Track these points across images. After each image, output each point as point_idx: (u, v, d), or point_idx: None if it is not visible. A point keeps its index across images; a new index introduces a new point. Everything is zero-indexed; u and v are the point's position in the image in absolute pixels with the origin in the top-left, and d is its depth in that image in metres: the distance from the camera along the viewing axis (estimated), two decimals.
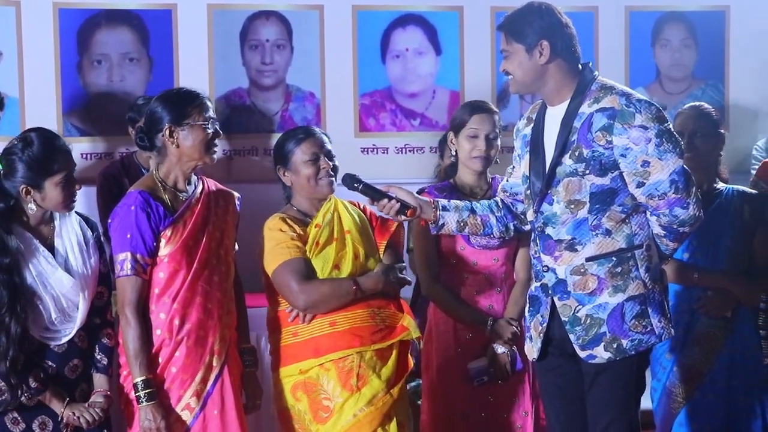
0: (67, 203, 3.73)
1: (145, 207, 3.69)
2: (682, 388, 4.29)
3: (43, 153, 3.68)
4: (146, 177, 3.91)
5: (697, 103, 4.52)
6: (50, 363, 3.70)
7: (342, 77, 5.83)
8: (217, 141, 3.81)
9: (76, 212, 3.85)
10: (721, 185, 4.38)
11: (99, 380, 3.80)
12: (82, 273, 3.75)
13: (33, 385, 3.63)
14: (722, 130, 4.39)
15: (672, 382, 4.32)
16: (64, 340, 3.71)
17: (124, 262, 3.68)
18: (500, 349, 4.12)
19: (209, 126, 3.78)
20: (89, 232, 3.84)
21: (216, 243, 3.81)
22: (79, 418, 3.69)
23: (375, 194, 3.66)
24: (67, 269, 3.72)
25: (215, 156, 3.82)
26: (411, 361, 3.98)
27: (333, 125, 5.73)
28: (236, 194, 3.99)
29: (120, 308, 3.71)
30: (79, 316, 3.73)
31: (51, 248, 3.73)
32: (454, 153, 4.28)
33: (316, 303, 3.79)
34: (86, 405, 3.72)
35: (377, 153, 5.91)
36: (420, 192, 4.11)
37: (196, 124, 3.75)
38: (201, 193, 3.84)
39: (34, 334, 3.66)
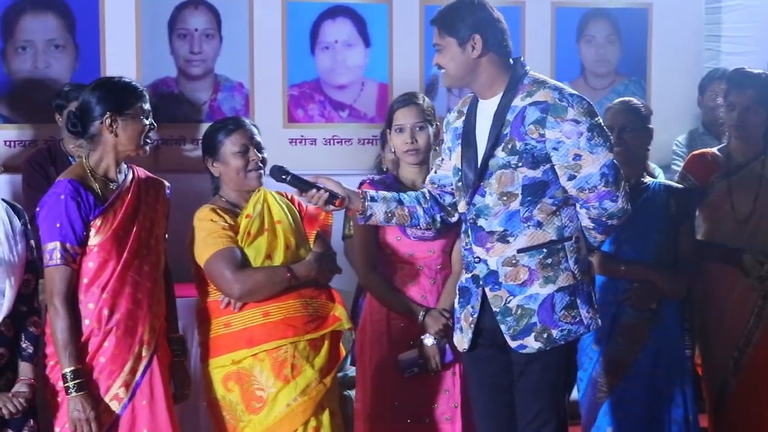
0: None
1: (75, 196, 3.65)
2: (607, 378, 4.36)
3: None
4: (76, 165, 3.87)
5: (626, 99, 4.58)
6: None
7: (271, 68, 5.81)
8: (151, 134, 3.81)
9: (2, 199, 3.80)
10: (648, 179, 4.46)
11: (24, 369, 3.75)
12: (9, 261, 3.70)
13: None
14: (650, 126, 4.46)
15: (598, 372, 4.38)
16: None
17: (53, 251, 3.63)
18: (429, 340, 4.13)
19: (147, 118, 3.76)
20: (16, 220, 3.79)
21: (146, 232, 3.79)
22: (1, 408, 3.64)
23: (303, 185, 3.66)
24: None
25: (148, 149, 3.80)
26: (342, 351, 4.00)
27: (261, 116, 5.70)
28: (166, 183, 3.97)
29: (48, 298, 3.66)
30: (6, 304, 3.68)
31: None
32: (392, 149, 4.29)
33: (252, 291, 3.79)
34: (9, 395, 3.68)
35: (305, 144, 5.91)
36: (361, 184, 4.12)
37: (137, 116, 3.73)
38: (131, 182, 3.81)
39: None
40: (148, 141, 3.79)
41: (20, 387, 3.72)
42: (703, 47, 6.40)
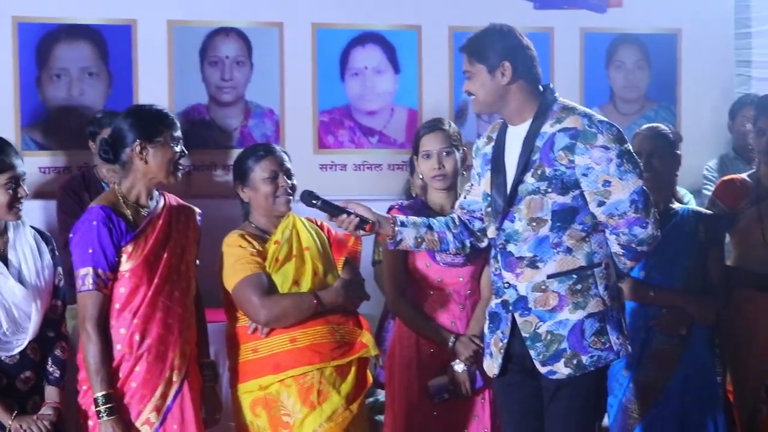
0: (11, 207, 3.72)
1: (107, 222, 3.69)
2: (638, 404, 4.35)
3: None
4: (108, 192, 3.91)
5: (654, 124, 4.58)
6: (1, 374, 3.70)
7: (301, 94, 5.85)
8: (182, 161, 3.84)
9: (31, 226, 3.86)
10: (676, 205, 4.46)
11: (50, 392, 3.80)
12: (36, 284, 3.76)
13: None
14: (678, 152, 4.46)
15: (628, 399, 4.37)
16: (16, 351, 3.72)
17: (85, 277, 3.67)
18: (460, 366, 4.14)
19: (178, 146, 3.80)
20: (44, 245, 3.85)
21: (177, 258, 3.82)
22: (26, 431, 3.68)
23: (333, 210, 3.68)
24: (20, 280, 3.73)
25: (180, 175, 3.84)
26: (369, 377, 4.00)
27: (292, 142, 5.75)
28: (197, 210, 4.00)
29: (81, 323, 3.70)
30: (32, 327, 3.73)
31: (5, 260, 3.74)
32: (420, 175, 4.31)
33: (278, 317, 3.81)
34: (34, 417, 3.72)
35: (336, 170, 5.94)
36: (389, 210, 4.14)
37: (167, 143, 3.77)
38: (162, 208, 3.84)
39: None
40: (179, 168, 3.83)
41: (45, 410, 3.76)
42: (733, 72, 6.38)
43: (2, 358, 3.70)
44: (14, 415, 3.69)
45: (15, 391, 3.72)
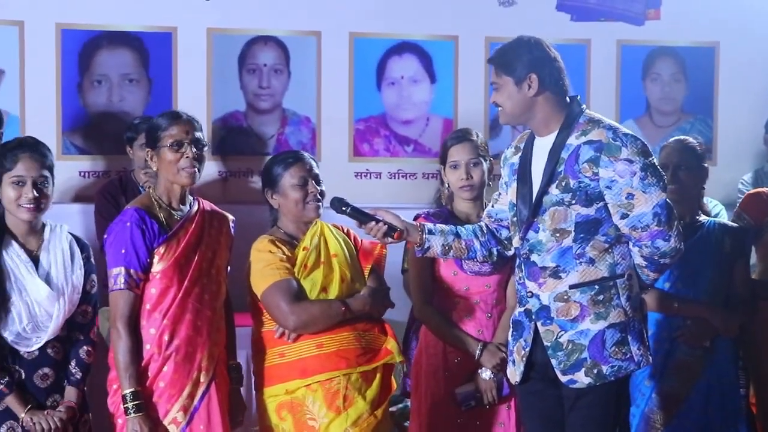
0: (20, 204, 3.81)
1: (141, 224, 3.78)
2: (661, 414, 4.35)
3: (2, 151, 3.85)
4: (143, 195, 4.00)
5: (681, 137, 4.59)
6: (18, 368, 3.80)
7: (337, 102, 5.90)
8: (191, 162, 3.83)
9: (70, 233, 3.96)
10: (703, 218, 4.46)
11: (69, 392, 3.88)
12: (61, 287, 3.85)
13: None
14: (705, 164, 4.47)
15: (650, 409, 4.36)
16: (34, 347, 3.82)
17: (117, 276, 3.76)
18: (487, 374, 4.17)
19: (176, 147, 3.82)
20: (78, 251, 3.94)
21: (207, 262, 3.89)
22: (35, 424, 3.77)
23: (362, 217, 3.72)
24: (47, 281, 3.83)
25: (186, 177, 3.84)
26: (394, 384, 4.04)
27: (328, 150, 5.82)
28: (231, 217, 4.07)
29: (112, 322, 3.79)
30: (51, 327, 3.82)
31: (36, 259, 3.85)
32: (447, 185, 4.35)
33: (306, 323, 3.85)
34: (45, 412, 3.80)
35: (371, 178, 5.99)
36: (416, 218, 4.17)
37: (164, 147, 3.83)
38: (196, 212, 3.92)
39: (6, 337, 3.78)
40: (187, 170, 3.83)
41: (59, 408, 3.84)
42: None
43: (21, 353, 3.81)
44: (28, 408, 3.78)
45: (32, 387, 3.82)
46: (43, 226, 3.91)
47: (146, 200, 3.89)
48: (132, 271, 3.76)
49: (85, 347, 3.91)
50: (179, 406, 3.79)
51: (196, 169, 3.85)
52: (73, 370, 3.89)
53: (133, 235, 3.77)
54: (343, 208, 3.73)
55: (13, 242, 3.84)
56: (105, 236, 3.86)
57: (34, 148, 3.85)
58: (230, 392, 3.98)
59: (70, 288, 3.86)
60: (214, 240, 3.94)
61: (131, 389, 3.72)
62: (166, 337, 3.78)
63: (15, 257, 3.82)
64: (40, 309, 3.81)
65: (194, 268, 3.84)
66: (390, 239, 3.73)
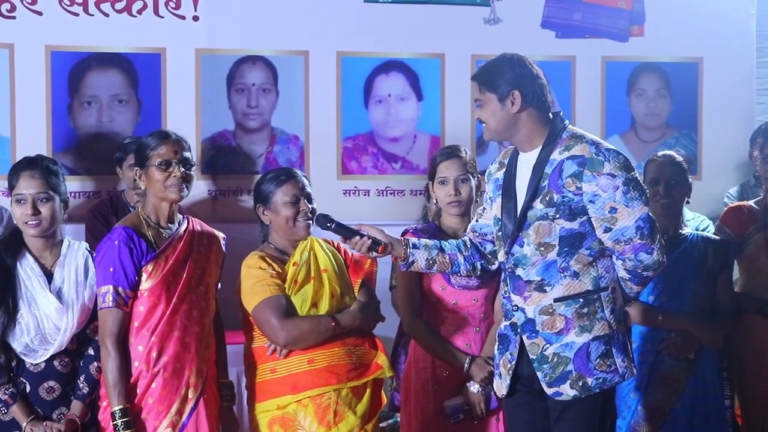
0: (24, 222, 3.86)
1: (129, 242, 3.82)
2: (647, 427, 4.38)
3: (10, 171, 3.92)
4: (132, 214, 4.04)
5: (668, 152, 4.63)
6: (24, 380, 3.84)
7: (325, 121, 5.92)
8: (178, 181, 3.89)
9: (87, 249, 4.01)
10: (686, 231, 4.50)
11: (74, 406, 3.90)
12: (71, 302, 3.87)
13: (2, 397, 3.78)
14: (690, 179, 4.52)
15: (636, 421, 4.40)
16: (40, 360, 3.84)
17: (106, 294, 3.81)
18: (475, 387, 4.21)
19: (164, 166, 3.88)
20: (92, 267, 3.96)
21: (196, 280, 3.93)
22: None
23: (347, 232, 3.76)
24: (59, 296, 3.86)
25: (174, 193, 3.90)
26: (384, 398, 4.07)
27: (316, 168, 5.84)
28: (221, 235, 4.11)
29: (101, 339, 3.83)
30: (58, 341, 3.85)
31: (51, 275, 3.89)
32: (435, 200, 4.38)
33: (297, 339, 3.88)
34: (45, 424, 3.82)
35: (359, 195, 6.01)
36: (404, 233, 4.21)
37: (152, 166, 3.89)
38: (185, 231, 3.96)
39: (15, 347, 3.81)
40: (174, 187, 3.89)
41: (61, 420, 3.86)
42: (754, 100, 6.40)
43: (27, 366, 3.84)
44: (30, 419, 3.80)
45: (37, 399, 3.85)
46: (61, 242, 3.96)
47: (135, 219, 3.94)
48: (120, 289, 3.81)
49: (95, 363, 3.92)
50: (168, 422, 3.82)
51: (184, 187, 3.89)
52: (81, 385, 3.91)
53: (121, 253, 3.81)
54: (328, 224, 3.78)
55: (29, 256, 3.89)
56: (94, 254, 3.91)
57: (34, 166, 3.90)
58: (222, 410, 4.01)
59: (80, 303, 3.89)
60: (204, 257, 3.98)
61: (120, 406, 3.76)
62: (154, 354, 3.82)
63: (29, 270, 3.87)
64: (48, 322, 3.84)
65: (182, 285, 3.87)
66: (374, 253, 3.77)
